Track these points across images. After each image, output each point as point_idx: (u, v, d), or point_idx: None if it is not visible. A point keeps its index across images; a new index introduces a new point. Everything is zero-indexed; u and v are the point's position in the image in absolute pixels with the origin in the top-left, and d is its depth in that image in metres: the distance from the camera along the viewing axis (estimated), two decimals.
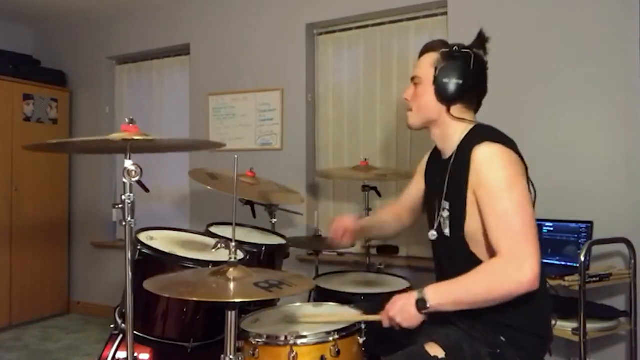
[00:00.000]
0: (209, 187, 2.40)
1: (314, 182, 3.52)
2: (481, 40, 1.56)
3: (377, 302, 1.69)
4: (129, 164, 1.57)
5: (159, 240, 2.00)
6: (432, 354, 1.41)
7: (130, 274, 1.63)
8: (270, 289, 1.32)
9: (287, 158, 3.53)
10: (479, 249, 1.45)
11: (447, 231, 1.54)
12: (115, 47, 4.37)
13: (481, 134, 1.48)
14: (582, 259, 2.17)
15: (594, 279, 2.26)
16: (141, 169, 1.58)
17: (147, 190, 1.65)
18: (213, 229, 2.34)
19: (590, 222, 2.44)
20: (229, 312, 1.38)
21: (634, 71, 2.53)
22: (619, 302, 2.50)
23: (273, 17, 3.61)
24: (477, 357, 1.42)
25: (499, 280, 1.33)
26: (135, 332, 1.75)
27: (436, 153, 1.69)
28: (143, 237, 1.96)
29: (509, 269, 1.32)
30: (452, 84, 1.49)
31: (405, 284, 2.38)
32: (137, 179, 1.58)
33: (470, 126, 1.53)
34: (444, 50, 1.53)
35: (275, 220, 2.75)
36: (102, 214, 4.41)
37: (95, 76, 4.48)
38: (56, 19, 4.53)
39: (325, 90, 3.54)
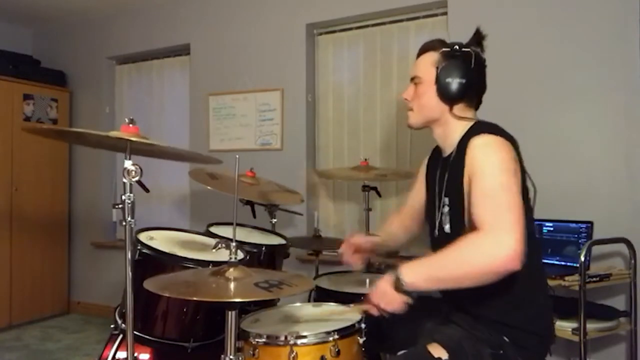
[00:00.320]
0: (209, 187, 2.40)
1: (314, 182, 3.52)
2: (478, 37, 1.56)
3: None
4: (129, 164, 1.57)
5: (159, 240, 2.00)
6: (435, 354, 1.41)
7: (130, 274, 1.64)
8: (270, 289, 1.32)
9: (287, 158, 3.53)
10: None
11: (447, 227, 1.53)
12: (115, 47, 4.37)
13: (481, 128, 1.48)
14: (582, 259, 2.17)
15: (594, 279, 2.26)
16: (141, 169, 1.58)
17: (147, 190, 1.65)
18: (213, 229, 2.34)
19: (590, 222, 2.44)
20: (229, 312, 1.37)
21: (634, 71, 2.53)
22: (619, 302, 2.50)
23: (273, 17, 3.61)
24: (479, 358, 1.42)
25: (473, 254, 1.27)
26: (135, 332, 1.75)
27: (436, 152, 1.69)
28: (143, 237, 1.96)
29: (484, 242, 1.27)
30: (454, 83, 1.49)
31: None
32: (137, 179, 1.58)
33: (471, 123, 1.53)
34: (444, 49, 1.52)
35: (275, 220, 2.75)
36: (102, 214, 4.41)
37: (95, 76, 4.48)
38: (56, 19, 4.53)
39: (325, 90, 3.54)
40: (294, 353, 1.49)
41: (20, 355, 3.46)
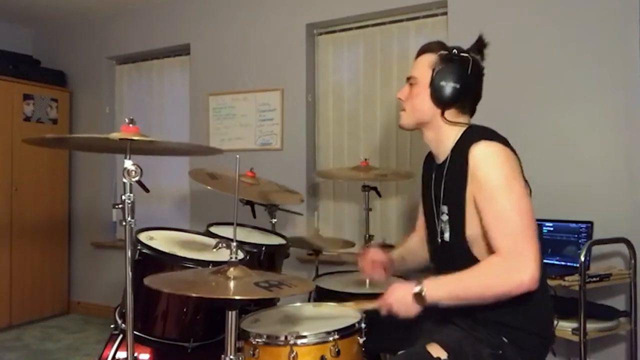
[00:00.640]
0: (209, 187, 2.40)
1: (314, 182, 3.52)
2: (480, 45, 1.55)
3: None
4: (129, 164, 1.57)
5: (159, 240, 2.00)
6: (435, 355, 1.41)
7: (130, 274, 1.63)
8: (270, 288, 1.32)
9: (287, 158, 3.53)
10: (480, 252, 1.44)
11: (447, 235, 1.53)
12: (115, 47, 4.37)
13: (476, 134, 1.47)
14: (582, 259, 2.17)
15: (594, 279, 2.26)
16: (141, 169, 1.58)
17: (147, 190, 1.65)
18: (213, 229, 2.34)
19: (590, 222, 2.44)
20: (229, 312, 1.38)
21: (634, 71, 2.53)
22: (619, 302, 2.50)
23: (273, 17, 3.61)
24: (478, 358, 1.42)
25: (499, 279, 1.33)
26: (135, 332, 1.75)
27: (430, 158, 1.68)
28: (143, 237, 1.96)
29: (509, 268, 1.32)
30: (448, 87, 1.48)
31: None
32: (137, 179, 1.58)
33: (464, 128, 1.52)
34: (442, 52, 1.51)
35: (275, 220, 2.75)
36: (102, 214, 4.41)
37: (95, 76, 4.48)
38: (56, 19, 4.53)
39: (325, 90, 3.54)
40: (294, 353, 1.49)
41: (20, 355, 3.46)
